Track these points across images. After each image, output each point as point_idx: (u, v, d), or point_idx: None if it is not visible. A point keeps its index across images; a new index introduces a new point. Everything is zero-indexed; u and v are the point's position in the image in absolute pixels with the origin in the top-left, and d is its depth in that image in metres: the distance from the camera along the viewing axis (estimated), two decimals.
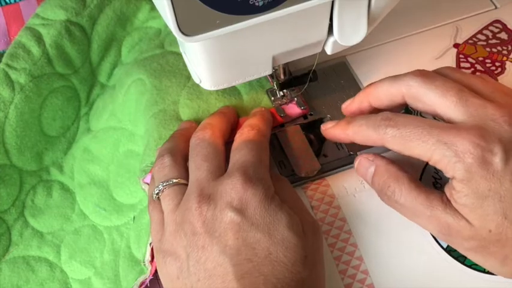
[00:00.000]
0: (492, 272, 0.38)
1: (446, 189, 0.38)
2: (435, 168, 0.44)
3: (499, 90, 0.39)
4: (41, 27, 0.50)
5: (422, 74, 0.39)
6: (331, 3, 0.39)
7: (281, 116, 0.47)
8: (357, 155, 0.45)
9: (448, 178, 0.37)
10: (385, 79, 0.41)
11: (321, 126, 0.44)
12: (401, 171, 0.39)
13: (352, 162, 0.45)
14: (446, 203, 0.37)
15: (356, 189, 0.44)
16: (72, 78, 0.53)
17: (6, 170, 0.50)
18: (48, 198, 0.51)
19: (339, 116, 0.48)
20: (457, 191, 0.36)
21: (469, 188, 0.35)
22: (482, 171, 0.35)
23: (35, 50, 0.50)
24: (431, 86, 0.38)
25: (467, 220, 0.36)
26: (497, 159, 0.35)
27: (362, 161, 0.42)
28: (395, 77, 0.40)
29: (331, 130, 0.42)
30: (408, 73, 0.40)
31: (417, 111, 0.41)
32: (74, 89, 0.53)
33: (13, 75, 0.49)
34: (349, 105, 0.43)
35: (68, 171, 0.52)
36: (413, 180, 0.39)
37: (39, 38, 0.50)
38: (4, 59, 0.49)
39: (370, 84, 0.42)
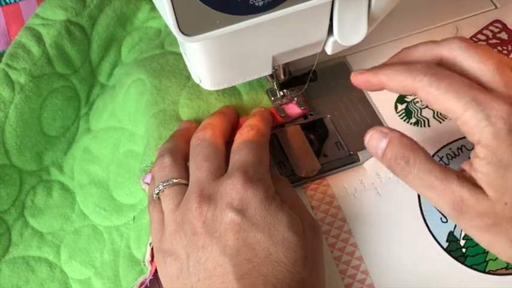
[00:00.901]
0: (500, 256, 0.38)
1: (466, 163, 0.37)
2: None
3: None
4: (41, 27, 0.50)
5: (466, 40, 0.38)
6: (331, 3, 0.39)
7: (281, 116, 0.47)
8: (357, 155, 0.45)
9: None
10: (422, 43, 0.40)
11: (352, 73, 0.41)
12: (416, 144, 0.38)
13: (352, 162, 0.46)
14: (461, 177, 0.36)
15: (356, 189, 0.44)
16: (72, 78, 0.53)
17: (6, 170, 0.50)
18: (48, 198, 0.51)
19: (339, 116, 0.48)
20: (481, 158, 0.35)
21: (494, 155, 0.35)
22: (510, 140, 0.34)
23: (35, 50, 0.50)
24: (473, 51, 0.37)
25: (484, 192, 0.35)
26: None
27: (374, 134, 0.39)
28: (435, 41, 0.39)
29: (361, 75, 0.41)
30: (450, 38, 0.39)
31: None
32: (74, 89, 0.53)
33: (13, 75, 0.49)
34: (359, 77, 0.41)
35: (68, 171, 0.52)
36: (428, 154, 0.38)
37: (39, 38, 0.50)
38: (4, 59, 0.49)
39: (406, 48, 0.41)
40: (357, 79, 0.41)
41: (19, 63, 0.49)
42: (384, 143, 0.39)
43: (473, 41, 0.52)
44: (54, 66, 0.51)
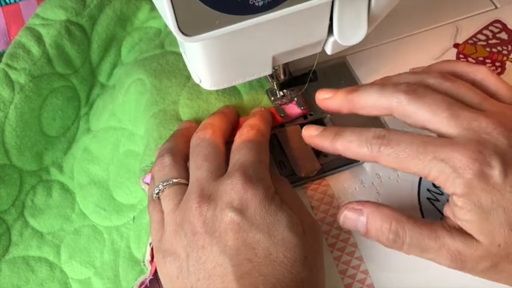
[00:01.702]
0: (508, 285, 0.38)
1: (447, 209, 0.37)
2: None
3: (488, 99, 0.38)
4: (41, 27, 0.50)
5: (411, 91, 0.38)
6: (331, 3, 0.39)
7: (281, 116, 0.47)
8: None
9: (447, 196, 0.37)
10: (371, 89, 0.39)
11: (303, 130, 0.42)
12: (396, 211, 0.38)
13: (352, 162, 0.45)
14: (449, 229, 0.36)
15: (356, 189, 0.44)
16: (72, 78, 0.53)
17: (6, 170, 0.50)
18: (48, 198, 0.51)
19: (338, 116, 0.48)
20: (460, 207, 0.36)
21: (472, 202, 0.35)
22: (482, 185, 0.35)
23: (35, 50, 0.50)
24: (421, 103, 0.37)
25: (474, 239, 0.36)
26: (496, 172, 0.35)
27: (348, 214, 0.39)
28: (383, 90, 0.39)
29: (318, 140, 0.40)
30: (396, 88, 0.38)
31: None
32: (74, 89, 0.53)
33: (13, 75, 0.49)
34: (327, 102, 0.42)
35: (67, 171, 0.52)
36: (409, 216, 0.38)
37: (39, 38, 0.50)
38: (4, 59, 0.49)
39: (355, 91, 0.40)
40: (312, 142, 0.41)
41: (19, 63, 0.49)
42: (363, 219, 0.39)
43: (473, 40, 0.52)
44: (54, 66, 0.51)
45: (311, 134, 0.41)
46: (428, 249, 0.37)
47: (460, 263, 0.37)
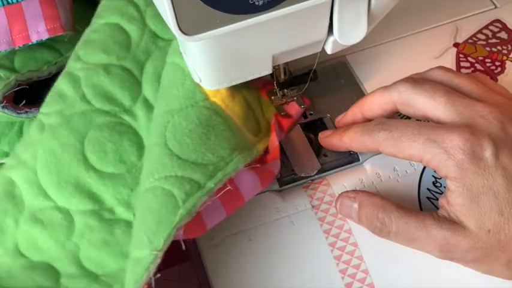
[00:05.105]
0: (501, 278, 0.38)
1: (442, 199, 0.38)
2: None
3: (489, 91, 0.39)
4: (80, 71, 0.46)
5: (411, 80, 0.40)
6: (331, 2, 0.39)
7: (281, 115, 0.47)
8: (357, 154, 0.45)
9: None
10: (375, 90, 0.42)
11: (319, 134, 0.45)
12: (385, 200, 0.39)
13: (352, 162, 0.46)
14: (438, 218, 0.37)
15: (356, 188, 0.44)
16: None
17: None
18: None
19: (338, 115, 0.48)
20: (452, 191, 0.36)
21: (463, 185, 0.35)
22: (473, 167, 0.35)
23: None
24: (420, 90, 0.38)
25: (464, 226, 0.36)
26: (487, 154, 0.35)
27: (343, 201, 0.41)
28: (386, 87, 0.41)
29: (329, 139, 0.44)
30: (398, 81, 0.40)
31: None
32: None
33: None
34: (343, 119, 0.44)
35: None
36: (400, 206, 0.39)
37: (76, 82, 0.45)
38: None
39: (362, 98, 0.43)
40: (324, 142, 0.45)
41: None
42: (355, 206, 0.40)
43: (473, 40, 0.52)
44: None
45: (325, 135, 0.44)
46: (415, 239, 0.37)
47: (448, 253, 0.37)
